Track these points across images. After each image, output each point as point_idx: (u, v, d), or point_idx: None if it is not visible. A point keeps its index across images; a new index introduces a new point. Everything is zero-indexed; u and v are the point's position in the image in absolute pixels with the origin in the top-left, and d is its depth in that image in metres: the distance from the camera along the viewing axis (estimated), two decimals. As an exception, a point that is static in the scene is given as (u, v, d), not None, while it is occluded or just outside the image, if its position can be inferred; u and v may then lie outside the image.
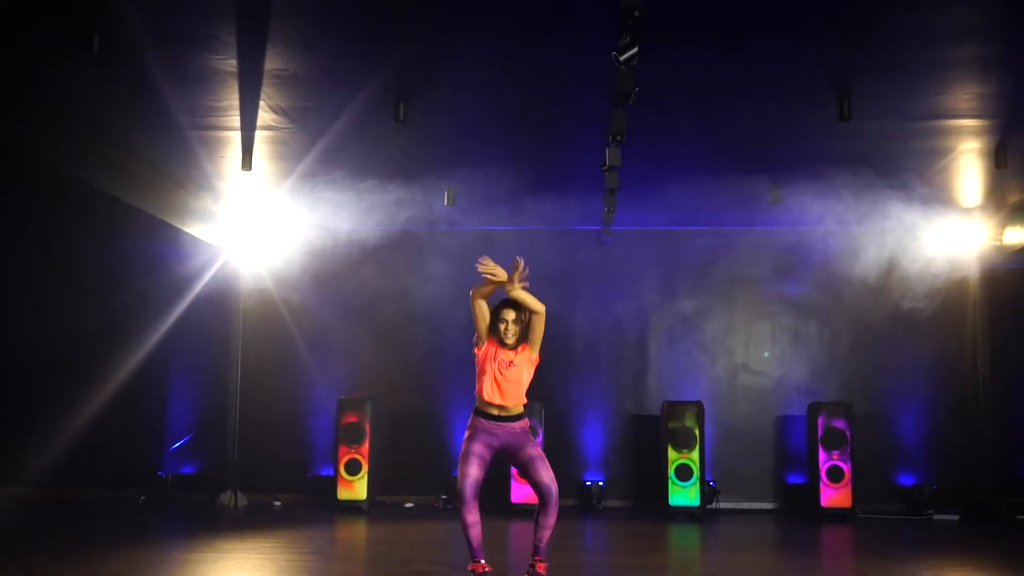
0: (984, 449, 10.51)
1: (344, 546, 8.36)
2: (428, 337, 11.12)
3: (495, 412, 6.00)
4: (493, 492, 10.29)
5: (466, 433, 6.13)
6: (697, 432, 10.00)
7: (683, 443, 9.99)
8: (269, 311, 11.19)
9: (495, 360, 5.97)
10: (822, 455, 9.99)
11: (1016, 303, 10.44)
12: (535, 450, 6.02)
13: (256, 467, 10.92)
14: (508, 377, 5.95)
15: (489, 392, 5.95)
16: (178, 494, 10.64)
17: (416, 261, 11.03)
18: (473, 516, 5.90)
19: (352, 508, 10.06)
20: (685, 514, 9.92)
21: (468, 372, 11.20)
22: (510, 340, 5.98)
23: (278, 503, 10.76)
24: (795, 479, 10.96)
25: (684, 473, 9.95)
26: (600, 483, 10.82)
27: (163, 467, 10.92)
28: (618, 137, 7.21)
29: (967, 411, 10.72)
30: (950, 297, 10.72)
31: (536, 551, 5.98)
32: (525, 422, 6.11)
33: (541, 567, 5.97)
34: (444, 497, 10.64)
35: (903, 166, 9.11)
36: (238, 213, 10.59)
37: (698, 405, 10.15)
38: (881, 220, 10.19)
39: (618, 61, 5.84)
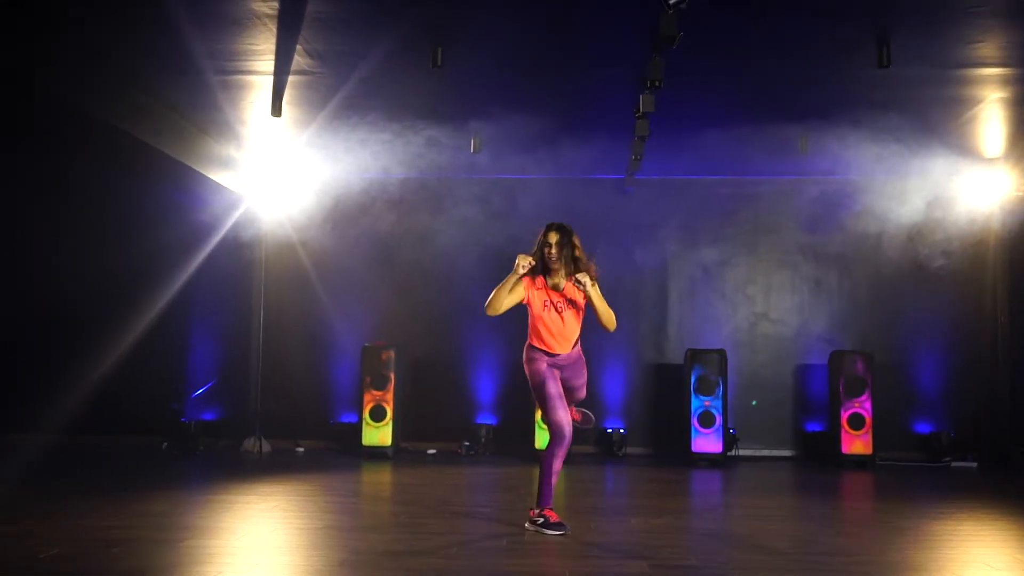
0: (1001, 398, 10.61)
1: (375, 488, 8.45)
2: (450, 285, 11.13)
3: (554, 352, 6.07)
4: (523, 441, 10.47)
5: (532, 366, 6.09)
6: (721, 380, 10.07)
7: (706, 390, 10.05)
8: (290, 258, 11.20)
9: (544, 306, 6.10)
10: (844, 402, 10.07)
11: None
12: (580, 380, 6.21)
13: (279, 413, 11.00)
14: (562, 322, 6.09)
15: (546, 339, 6.07)
16: (201, 440, 10.72)
17: (439, 209, 11.02)
18: (560, 463, 5.91)
19: (377, 454, 10.15)
20: (707, 460, 10.01)
21: (488, 320, 11.34)
22: (555, 265, 5.99)
23: (301, 449, 10.85)
24: (814, 427, 11.05)
25: (706, 420, 10.03)
26: (621, 431, 10.90)
27: (185, 414, 10.97)
28: (655, 83, 7.15)
29: (985, 361, 10.79)
30: (971, 249, 10.76)
31: (538, 497, 5.97)
32: (579, 348, 6.19)
33: (533, 513, 5.99)
34: (467, 443, 10.73)
35: (931, 116, 9.06)
36: (261, 160, 10.54)
37: (721, 353, 10.21)
38: (905, 171, 10.20)
39: (667, 4, 5.78)
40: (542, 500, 5.85)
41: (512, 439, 10.84)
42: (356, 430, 10.36)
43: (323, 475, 8.78)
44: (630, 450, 10.96)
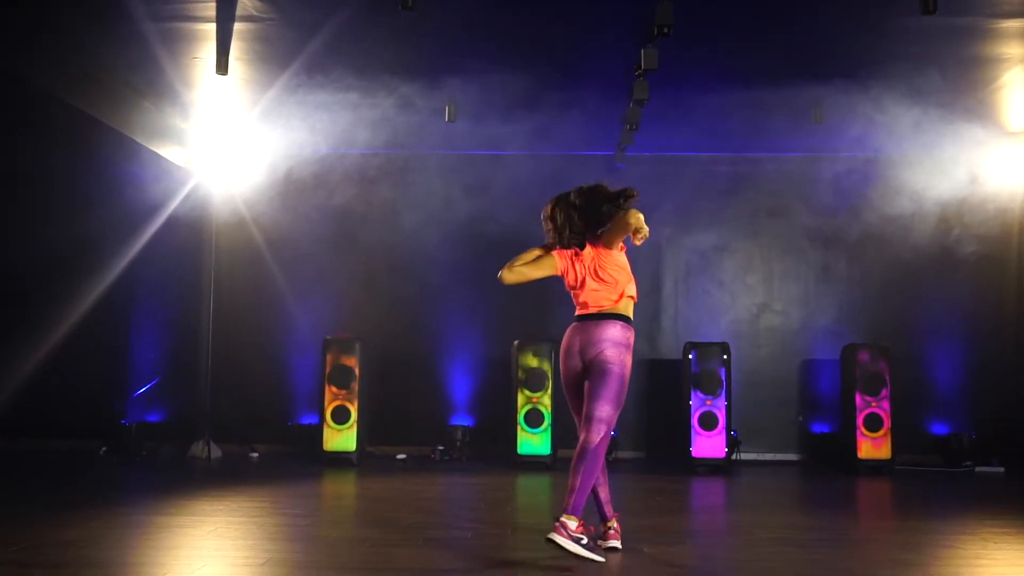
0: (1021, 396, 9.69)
1: (337, 504, 7.36)
2: (422, 273, 10.06)
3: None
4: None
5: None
6: (724, 376, 9.07)
7: (708, 388, 9.05)
8: (245, 242, 10.07)
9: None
10: (859, 401, 9.09)
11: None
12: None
13: (231, 414, 9.87)
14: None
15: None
16: (144, 444, 9.56)
17: (410, 187, 9.96)
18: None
19: (340, 460, 9.05)
20: (708, 466, 9.01)
21: (463, 311, 10.32)
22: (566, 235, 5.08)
23: (255, 454, 9.74)
24: (820, 428, 10.09)
25: (708, 421, 9.03)
26: (612, 432, 9.85)
27: (127, 415, 9.81)
28: (664, 30, 6.12)
29: (1010, 356, 9.87)
30: (994, 233, 9.82)
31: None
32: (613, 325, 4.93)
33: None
34: (441, 448, 9.66)
35: (963, 80, 8.11)
36: (210, 131, 9.40)
37: (723, 347, 9.21)
38: (922, 148, 9.24)
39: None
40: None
41: (491, 442, 9.79)
42: (317, 433, 9.26)
43: (277, 486, 7.67)
44: (621, 454, 9.94)
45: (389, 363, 9.97)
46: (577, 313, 5.08)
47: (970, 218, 9.66)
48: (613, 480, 7.92)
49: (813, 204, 10.07)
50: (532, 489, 8.06)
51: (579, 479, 4.69)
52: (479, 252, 10.15)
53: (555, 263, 5.07)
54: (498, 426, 9.67)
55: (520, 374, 9.08)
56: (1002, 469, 9.22)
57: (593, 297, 4.99)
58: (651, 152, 10.09)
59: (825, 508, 7.26)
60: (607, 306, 4.97)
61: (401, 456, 9.73)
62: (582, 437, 4.88)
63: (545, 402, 9.04)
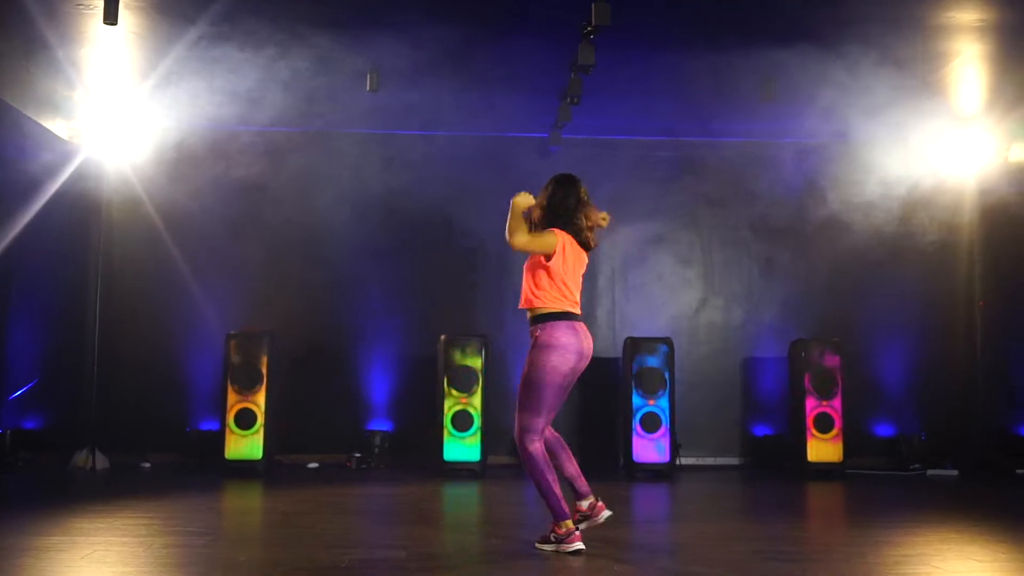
0: (978, 396, 9.25)
1: (239, 521, 6.40)
2: (338, 260, 9.17)
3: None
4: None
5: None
6: (668, 375, 8.40)
7: (650, 388, 8.37)
8: (139, 224, 9.01)
9: None
10: (809, 401, 8.52)
11: (1020, 229, 9.04)
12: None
13: (120, 420, 8.80)
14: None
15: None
16: (19, 454, 8.41)
17: (326, 167, 9.04)
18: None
19: (244, 469, 8.08)
20: (650, 471, 8.33)
21: (383, 302, 9.43)
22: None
23: (147, 464, 8.68)
24: (763, 430, 9.51)
25: (651, 423, 8.34)
26: (542, 436, 9.10)
27: (0, 421, 8.64)
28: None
29: (961, 354, 9.42)
30: (945, 228, 9.37)
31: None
32: (535, 328, 4.89)
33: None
34: (357, 455, 8.76)
35: (908, 59, 7.59)
36: (99, 98, 8.33)
37: (668, 342, 8.54)
38: (869, 136, 8.72)
39: None
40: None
41: (414, 448, 8.95)
42: (219, 440, 8.27)
43: (171, 501, 6.69)
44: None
45: (300, 361, 9.03)
46: (571, 310, 4.87)
47: (920, 212, 9.22)
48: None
49: (757, 193, 9.49)
50: (463, 500, 7.26)
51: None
52: (402, 239, 9.35)
53: (554, 241, 4.81)
54: (421, 430, 8.84)
55: (448, 373, 8.25)
56: (955, 472, 8.75)
57: (578, 295, 4.93)
58: (587, 135, 9.40)
59: (795, 516, 6.67)
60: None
61: (313, 465, 8.81)
62: (549, 434, 4.91)
63: (475, 404, 8.23)
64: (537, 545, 4.85)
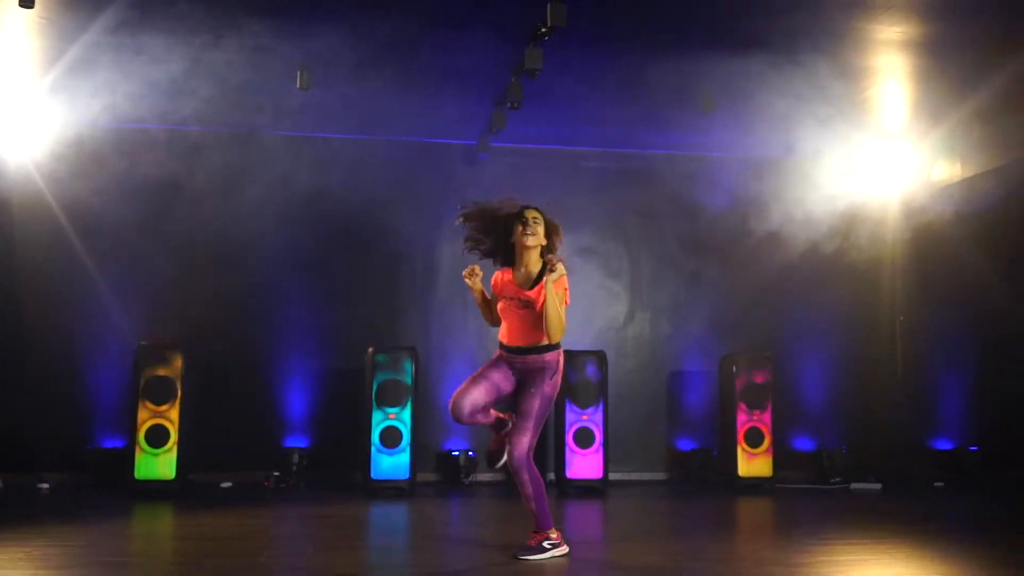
0: (900, 409, 9.37)
1: (148, 550, 5.87)
2: (256, 269, 8.70)
3: (510, 346, 5.21)
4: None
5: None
6: (602, 388, 8.22)
7: (585, 401, 8.17)
8: (40, 226, 8.32)
9: (509, 293, 5.23)
10: (740, 416, 8.46)
11: (942, 247, 9.20)
12: (530, 401, 5.13)
13: (15, 436, 8.12)
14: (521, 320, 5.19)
15: (502, 332, 5.27)
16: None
17: (248, 170, 8.49)
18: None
19: (156, 490, 7.54)
20: (583, 487, 8.13)
21: (302, 314, 8.99)
22: (531, 243, 5.24)
23: (45, 485, 8.01)
24: (688, 445, 9.43)
25: (584, 438, 8.14)
26: (469, 453, 8.82)
27: None
28: None
29: (883, 367, 9.52)
30: (869, 244, 9.42)
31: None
32: (543, 356, 5.16)
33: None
34: (276, 474, 8.29)
35: (839, 74, 7.63)
36: (2, 87, 7.66)
37: (600, 356, 8.37)
38: (799, 151, 8.73)
39: None
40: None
41: (334, 466, 8.55)
42: (126, 458, 7.69)
43: (73, 526, 6.12)
44: (480, 477, 8.89)
45: (214, 374, 8.47)
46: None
47: (847, 229, 9.23)
48: (476, 507, 6.90)
49: (687, 206, 9.35)
50: (392, 521, 6.88)
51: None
52: (324, 246, 8.93)
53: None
54: (344, 447, 8.45)
55: (376, 387, 7.88)
56: (879, 485, 8.81)
57: None
58: (516, 143, 9.18)
59: (753, 532, 6.53)
60: None
61: (226, 484, 8.30)
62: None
63: (404, 419, 7.87)
64: (523, 557, 5.04)
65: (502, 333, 5.23)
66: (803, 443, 9.49)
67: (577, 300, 9.43)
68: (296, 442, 8.67)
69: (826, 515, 7.23)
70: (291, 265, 8.72)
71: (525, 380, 5.13)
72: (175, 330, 8.20)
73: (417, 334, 9.00)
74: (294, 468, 8.38)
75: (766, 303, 9.48)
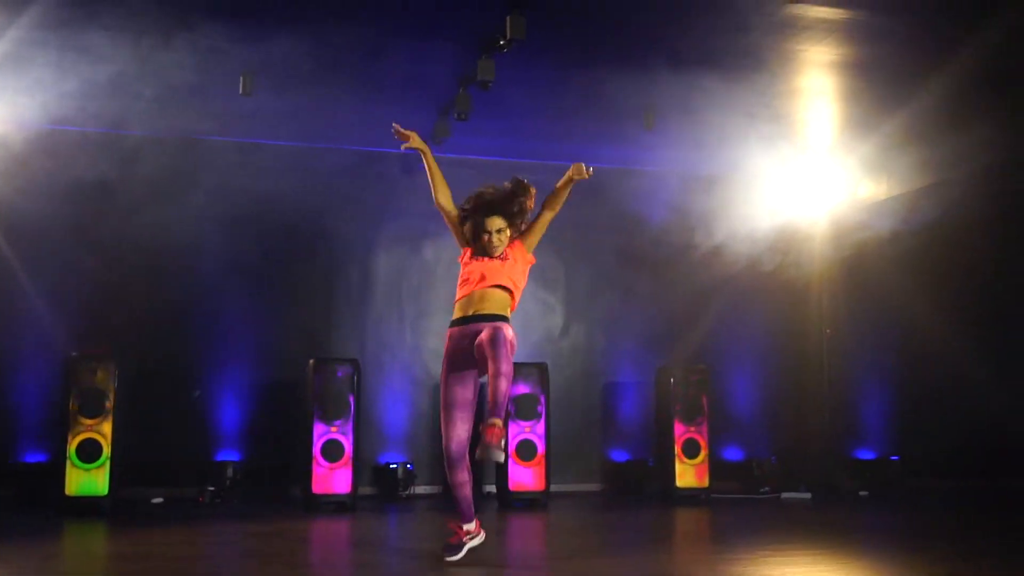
0: (826, 420, 9.63)
1: (91, 566, 5.65)
2: (188, 277, 8.48)
3: (469, 313, 4.98)
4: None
5: (443, 364, 5.01)
6: (544, 400, 8.24)
7: (527, 413, 8.17)
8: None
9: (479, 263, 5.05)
10: (678, 427, 8.58)
11: (867, 263, 9.50)
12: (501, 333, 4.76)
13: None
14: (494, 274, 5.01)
15: (462, 296, 5.03)
16: None
17: (182, 178, 8.30)
18: (464, 475, 4.96)
19: (87, 507, 7.23)
20: (524, 500, 8.12)
21: (238, 324, 8.78)
22: (497, 253, 5.08)
23: (-40, 503, 7.65)
24: (622, 456, 9.52)
25: (526, 450, 8.14)
26: (408, 466, 8.74)
27: None
28: None
29: (811, 382, 9.76)
30: (798, 260, 9.69)
31: (491, 408, 4.62)
32: (506, 324, 4.90)
33: (489, 433, 4.56)
34: (211, 488, 8.06)
35: (774, 93, 7.85)
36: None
37: (541, 367, 8.38)
38: (732, 167, 9.01)
39: None
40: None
41: (270, 479, 8.38)
42: (53, 474, 7.37)
43: (5, 548, 5.82)
44: (418, 490, 8.81)
45: (147, 385, 8.18)
46: None
47: (778, 244, 9.43)
48: (411, 520, 6.83)
49: (621, 220, 9.49)
50: (333, 537, 6.72)
51: None
52: (260, 255, 8.76)
53: None
54: (281, 460, 8.29)
55: (316, 400, 7.73)
56: (809, 495, 9.03)
57: None
58: (456, 154, 9.13)
59: (702, 543, 6.60)
60: None
61: (157, 499, 8.04)
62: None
63: (346, 432, 7.74)
64: (451, 558, 4.98)
65: (458, 299, 5.03)
66: (733, 453, 9.67)
67: (515, 311, 9.51)
68: (229, 456, 8.46)
69: (762, 525, 7.31)
70: (227, 274, 8.51)
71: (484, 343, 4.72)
72: (107, 340, 7.90)
73: (353, 345, 8.89)
74: (228, 483, 8.17)
75: (700, 316, 9.65)
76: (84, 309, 8.17)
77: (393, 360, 9.10)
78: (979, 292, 9.38)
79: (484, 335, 4.67)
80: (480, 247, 5.09)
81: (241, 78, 6.97)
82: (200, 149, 8.40)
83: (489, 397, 4.59)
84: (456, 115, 7.38)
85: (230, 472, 8.20)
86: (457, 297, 5.06)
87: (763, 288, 9.70)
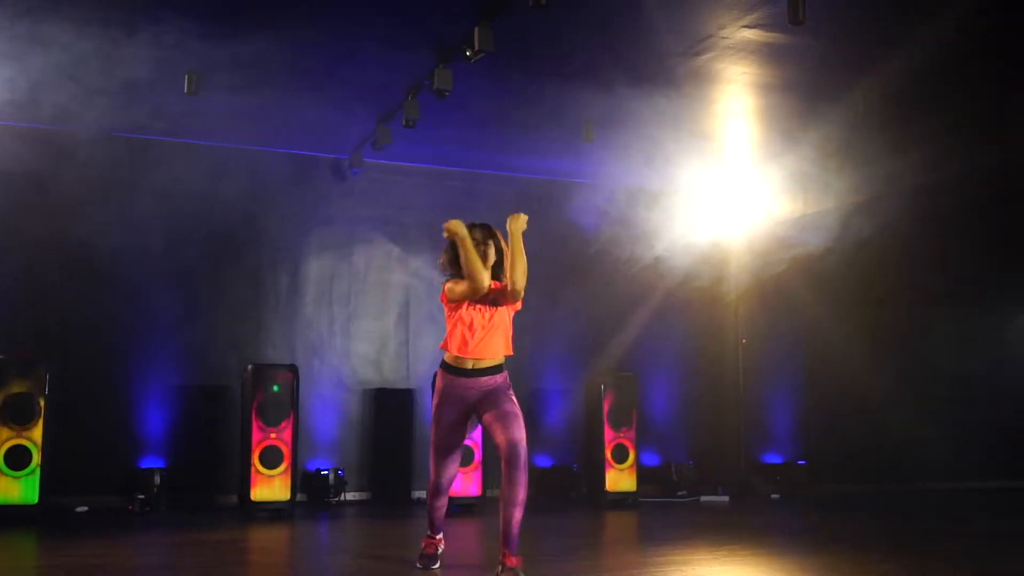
0: (739, 428, 10.04)
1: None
2: (116, 279, 8.22)
3: (468, 366, 4.88)
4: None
5: (434, 399, 4.99)
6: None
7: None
8: None
9: (470, 305, 4.98)
10: (608, 433, 8.80)
11: (779, 277, 9.92)
12: (511, 406, 4.80)
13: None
14: (486, 324, 5.03)
15: (459, 344, 4.88)
16: None
17: (112, 177, 8.05)
18: (445, 499, 5.11)
19: (17, 516, 6.94)
20: (461, 505, 8.18)
21: (164, 327, 8.55)
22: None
23: None
24: (546, 461, 9.70)
25: (465, 456, 8.17)
26: (339, 471, 8.69)
27: None
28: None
29: (727, 389, 10.16)
30: (716, 270, 10.06)
31: (505, 540, 4.52)
32: (504, 375, 5.00)
33: (512, 561, 4.50)
34: (141, 497, 7.83)
35: (701, 110, 8.17)
36: None
37: (478, 375, 8.44)
38: (658, 180, 9.30)
39: None
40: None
41: (197, 487, 8.21)
42: (-27, 482, 7.05)
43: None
44: (348, 496, 8.77)
45: (72, 390, 7.87)
46: None
47: (700, 257, 9.74)
48: (342, 525, 6.85)
49: (554, 230, 9.61)
50: (274, 545, 6.62)
51: None
52: (189, 257, 8.57)
53: None
54: (208, 467, 8.14)
55: (255, 406, 7.61)
56: (727, 498, 9.39)
57: None
58: (389, 160, 9.16)
59: (643, 545, 6.78)
60: None
61: (82, 508, 7.77)
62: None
63: (285, 439, 7.66)
64: (432, 567, 5.06)
65: (456, 348, 4.85)
66: (651, 458, 9.95)
67: (438, 320, 9.54)
68: (155, 463, 8.23)
69: (687, 527, 7.56)
70: (154, 276, 8.28)
71: (485, 400, 4.78)
72: (32, 342, 7.59)
73: (283, 350, 8.79)
74: (154, 490, 7.94)
75: (624, 325, 9.91)
76: (11, 310, 7.82)
77: (323, 364, 9.03)
78: (881, 307, 9.99)
79: (516, 436, 4.61)
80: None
81: (186, 76, 6.84)
82: (133, 147, 8.17)
83: (501, 526, 4.51)
84: (404, 122, 7.38)
85: (157, 479, 7.97)
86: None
87: (683, 299, 10.04)
